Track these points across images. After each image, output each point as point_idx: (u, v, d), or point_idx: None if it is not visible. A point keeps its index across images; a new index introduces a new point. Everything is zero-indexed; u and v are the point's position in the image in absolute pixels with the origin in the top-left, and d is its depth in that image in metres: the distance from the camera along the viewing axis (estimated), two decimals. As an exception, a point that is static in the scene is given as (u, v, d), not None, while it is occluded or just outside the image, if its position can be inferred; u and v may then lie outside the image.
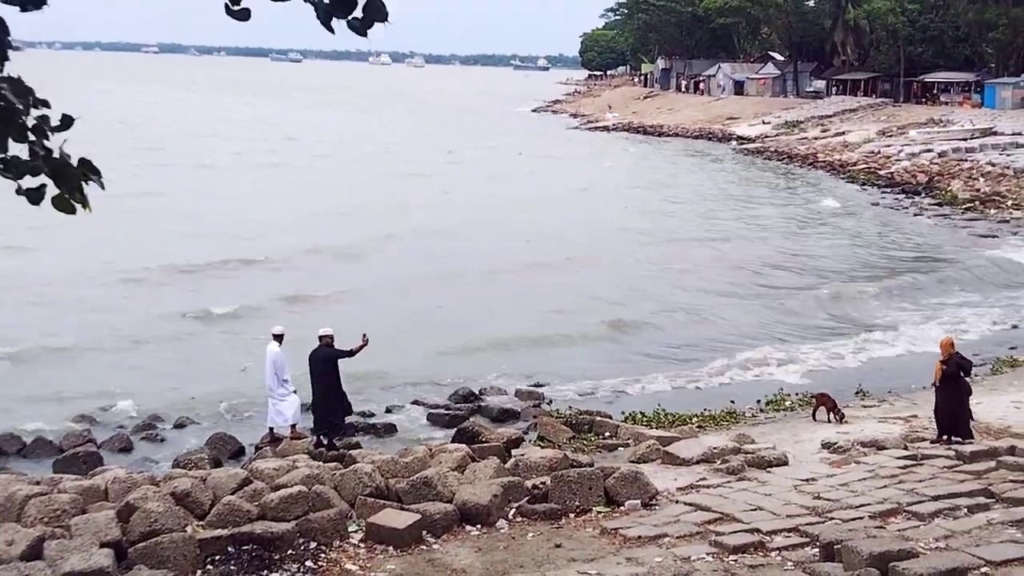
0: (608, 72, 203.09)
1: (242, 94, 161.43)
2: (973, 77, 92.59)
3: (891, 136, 76.30)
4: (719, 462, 14.76)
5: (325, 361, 17.58)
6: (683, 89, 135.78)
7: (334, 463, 14.55)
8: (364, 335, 17.77)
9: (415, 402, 21.20)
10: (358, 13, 4.80)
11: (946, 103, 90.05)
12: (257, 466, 13.69)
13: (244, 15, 4.94)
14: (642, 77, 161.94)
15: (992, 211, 48.98)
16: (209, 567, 10.50)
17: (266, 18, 4.95)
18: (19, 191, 4.82)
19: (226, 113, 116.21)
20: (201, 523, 11.51)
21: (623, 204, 53.12)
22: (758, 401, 21.34)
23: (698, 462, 14.91)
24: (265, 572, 10.35)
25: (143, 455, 17.92)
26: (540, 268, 35.18)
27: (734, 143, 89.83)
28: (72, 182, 4.80)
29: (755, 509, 12.00)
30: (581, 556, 10.74)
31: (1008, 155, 61.36)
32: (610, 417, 19.40)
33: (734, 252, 39.97)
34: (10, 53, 4.73)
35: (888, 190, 58.11)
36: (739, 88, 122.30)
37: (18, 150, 4.77)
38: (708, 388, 22.91)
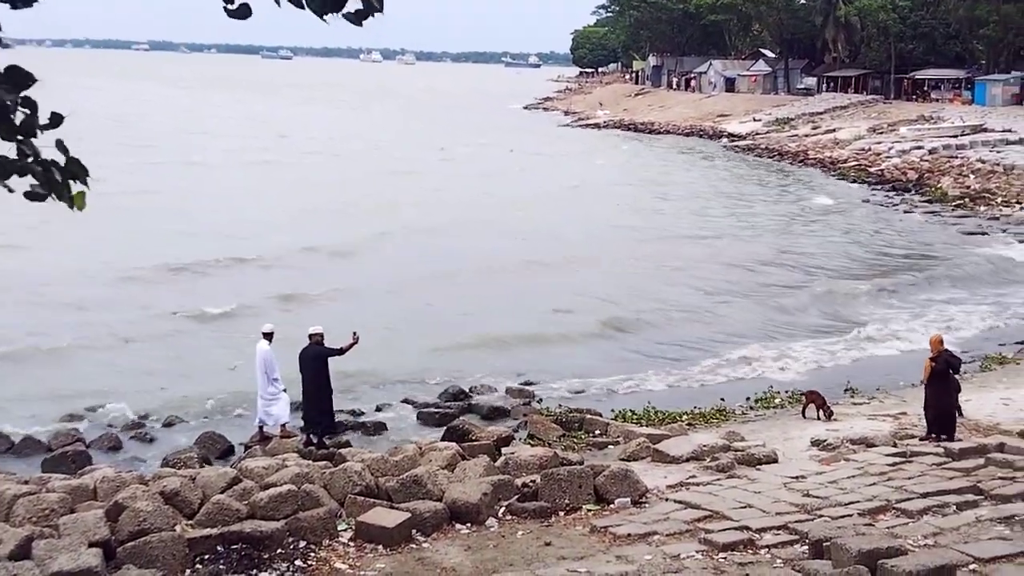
0: (599, 69, 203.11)
1: (233, 91, 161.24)
2: (964, 74, 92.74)
3: (882, 133, 76.43)
4: (709, 460, 14.77)
5: (315, 359, 17.56)
6: (674, 86, 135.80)
7: (324, 462, 14.54)
8: (354, 333, 17.76)
9: (405, 400, 21.18)
10: (352, 6, 4.77)
11: (937, 100, 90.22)
12: (246, 465, 13.68)
13: (243, 13, 4.89)
14: (633, 74, 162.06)
15: (982, 208, 49.08)
16: (198, 566, 10.48)
17: (257, 16, 4.91)
18: (10, 191, 4.80)
19: (217, 110, 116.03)
20: (190, 522, 11.49)
21: (616, 202, 53.13)
22: (747, 399, 21.36)
23: (688, 460, 14.93)
24: (254, 571, 10.33)
25: (132, 454, 17.89)
26: (532, 266, 35.16)
27: (725, 140, 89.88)
28: (60, 182, 4.78)
29: (744, 507, 12.01)
30: (571, 554, 10.74)
31: (998, 152, 61.49)
32: (600, 415, 19.42)
33: (726, 250, 40.00)
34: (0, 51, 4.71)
35: (878, 187, 58.22)
36: (730, 85, 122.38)
37: (6, 149, 4.75)
38: (698, 386, 22.93)
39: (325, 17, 4.83)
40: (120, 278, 31.08)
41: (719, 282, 33.83)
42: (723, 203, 53.94)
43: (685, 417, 19.63)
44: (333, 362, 17.79)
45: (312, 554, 10.83)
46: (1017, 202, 49.16)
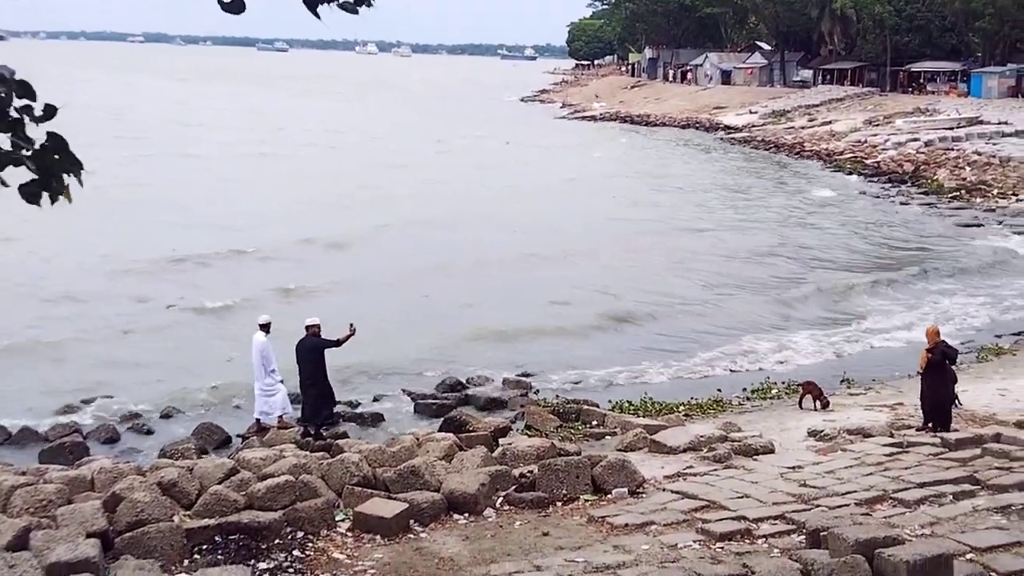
0: (595, 62, 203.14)
1: (228, 84, 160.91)
2: (959, 66, 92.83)
3: (878, 125, 76.46)
4: (706, 450, 14.78)
5: (312, 351, 17.56)
6: (670, 79, 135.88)
7: (321, 452, 14.55)
8: (351, 325, 17.75)
9: (403, 392, 21.18)
10: None
11: (932, 92, 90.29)
12: (244, 456, 13.67)
13: (237, 8, 4.88)
14: (629, 67, 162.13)
15: (978, 200, 49.12)
16: (196, 557, 10.48)
17: (252, 8, 4.90)
18: (4, 185, 4.78)
19: (212, 103, 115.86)
20: (188, 513, 11.49)
21: (613, 194, 53.07)
22: (744, 389, 21.39)
23: (685, 450, 14.93)
24: (252, 562, 10.32)
25: (129, 445, 17.88)
26: (530, 259, 35.14)
27: (721, 132, 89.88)
28: (54, 174, 4.77)
29: (742, 497, 12.02)
30: (568, 544, 10.75)
31: (994, 144, 61.57)
32: (597, 406, 19.41)
33: (725, 242, 40.00)
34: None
35: (875, 179, 58.25)
36: (726, 78, 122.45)
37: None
38: (696, 377, 22.93)
39: (318, 9, 4.82)
40: (117, 270, 31.06)
41: (717, 274, 33.83)
42: (721, 195, 53.95)
43: (682, 408, 19.65)
44: (330, 354, 17.79)
45: (310, 544, 10.84)
46: (1013, 194, 49.20)
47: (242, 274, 31.38)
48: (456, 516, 11.79)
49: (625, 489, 12.59)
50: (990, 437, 14.65)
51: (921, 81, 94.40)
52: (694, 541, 10.50)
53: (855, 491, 12.05)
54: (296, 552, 10.62)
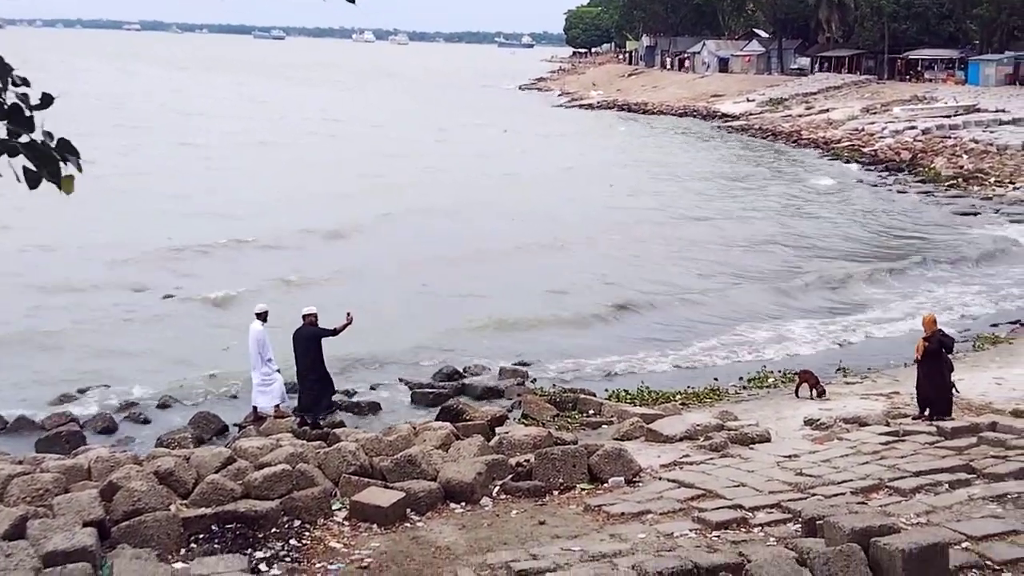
0: (593, 49, 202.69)
1: (227, 72, 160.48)
2: (957, 54, 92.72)
3: (875, 113, 76.43)
4: (702, 439, 14.79)
5: (309, 340, 17.56)
6: (668, 66, 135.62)
7: (318, 441, 14.57)
8: (348, 313, 17.75)
9: (399, 380, 21.19)
10: None
11: (930, 80, 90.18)
12: (241, 445, 13.68)
13: None
14: (627, 54, 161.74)
15: (975, 188, 49.13)
16: (193, 545, 10.49)
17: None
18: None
19: (212, 91, 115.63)
20: (185, 502, 11.50)
21: (613, 183, 52.97)
22: (741, 378, 21.41)
23: (681, 439, 14.94)
24: (249, 550, 10.34)
25: (126, 434, 17.87)
26: (528, 248, 35.10)
27: (718, 121, 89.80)
28: (51, 163, 4.75)
29: (738, 485, 12.05)
30: (565, 533, 10.77)
31: (991, 132, 61.56)
32: (594, 395, 19.44)
33: (723, 231, 39.98)
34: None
35: (872, 167, 58.24)
36: (723, 65, 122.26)
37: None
38: (693, 366, 22.94)
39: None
40: (115, 260, 30.96)
41: (716, 263, 33.84)
42: (719, 183, 53.90)
43: (679, 397, 19.68)
44: (327, 343, 17.79)
45: (307, 533, 10.86)
46: (1011, 182, 49.22)
47: (241, 263, 31.35)
48: (453, 505, 11.81)
49: (621, 478, 12.61)
50: (986, 426, 14.68)
51: (919, 69, 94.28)
52: (690, 530, 10.53)
53: (851, 480, 12.07)
54: (293, 541, 10.64)
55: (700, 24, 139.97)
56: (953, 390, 16.54)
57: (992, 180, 50.15)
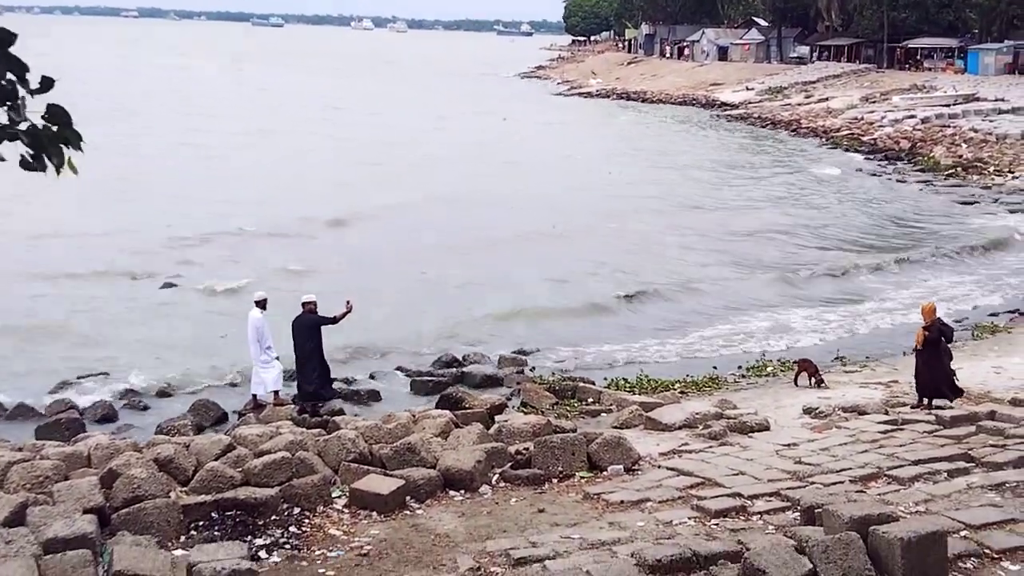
0: (592, 38, 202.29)
1: (230, 59, 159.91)
2: (956, 43, 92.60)
3: (874, 102, 76.38)
4: (701, 427, 14.81)
5: (309, 328, 17.57)
6: (667, 55, 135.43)
7: (317, 429, 14.58)
8: (348, 302, 17.76)
9: (398, 369, 21.20)
10: None
11: (929, 69, 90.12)
12: (240, 432, 13.69)
13: None
14: (626, 43, 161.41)
15: (975, 177, 49.12)
16: (193, 533, 10.50)
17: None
18: (1, 159, 4.75)
19: (210, 79, 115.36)
20: (184, 489, 11.51)
21: (612, 171, 52.95)
22: (739, 367, 21.41)
23: (680, 427, 14.96)
24: (249, 537, 10.35)
25: (126, 422, 17.86)
26: (528, 236, 35.05)
27: (717, 109, 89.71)
28: (53, 146, 4.74)
29: (737, 474, 12.07)
30: (564, 521, 10.79)
31: (991, 121, 61.53)
32: (593, 383, 19.45)
33: (723, 220, 39.95)
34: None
35: (871, 156, 58.22)
36: (723, 54, 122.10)
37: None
38: (692, 355, 22.94)
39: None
40: (115, 248, 30.91)
41: (715, 252, 33.82)
42: (719, 172, 53.86)
43: (678, 385, 19.70)
44: (326, 331, 17.80)
45: (306, 520, 10.87)
46: (1010, 171, 49.21)
47: (240, 252, 31.31)
48: (452, 493, 11.82)
49: (621, 466, 12.62)
50: (985, 415, 14.71)
51: (918, 58, 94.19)
52: (689, 518, 10.55)
53: (850, 468, 12.09)
54: (292, 528, 10.65)
55: (699, 12, 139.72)
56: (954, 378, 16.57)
57: (991, 169, 50.14)
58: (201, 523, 10.68)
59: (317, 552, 10.12)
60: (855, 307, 27.16)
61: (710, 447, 13.74)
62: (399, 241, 33.41)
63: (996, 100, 68.11)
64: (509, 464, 12.62)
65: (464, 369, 21.01)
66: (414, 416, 14.74)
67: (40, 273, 27.79)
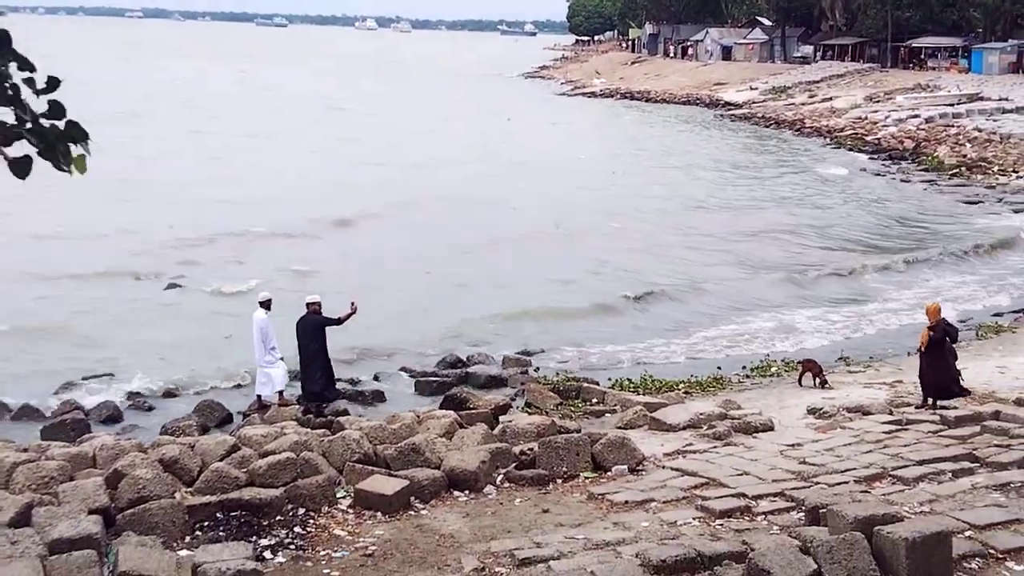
0: (596, 37, 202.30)
1: (234, 60, 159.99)
2: (960, 42, 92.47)
3: (878, 102, 76.29)
4: (705, 428, 14.80)
5: (313, 328, 17.59)
6: (670, 54, 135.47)
7: (322, 430, 14.59)
8: (352, 303, 17.77)
9: (403, 369, 21.20)
10: None
11: (933, 68, 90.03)
12: (245, 433, 13.71)
13: None
14: (630, 42, 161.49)
15: (979, 177, 49.06)
16: (198, 533, 10.52)
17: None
18: (7, 159, 4.75)
19: (214, 79, 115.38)
20: (189, 490, 11.53)
21: (616, 170, 52.90)
22: (744, 367, 21.40)
23: (685, 428, 14.96)
24: (254, 538, 10.36)
25: (130, 423, 17.87)
26: (533, 236, 35.04)
27: (721, 109, 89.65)
28: (61, 146, 4.74)
29: (741, 474, 12.06)
30: (568, 521, 10.79)
31: (995, 121, 61.46)
32: (597, 383, 19.45)
33: (728, 219, 39.91)
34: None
35: (875, 156, 58.17)
36: (727, 53, 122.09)
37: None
38: (697, 356, 22.93)
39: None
40: (119, 249, 30.95)
41: (722, 252, 33.79)
42: (724, 172, 53.83)
43: (682, 386, 19.69)
44: (331, 332, 17.81)
45: (311, 521, 10.88)
46: (1014, 171, 49.14)
47: (244, 252, 31.32)
48: (456, 493, 11.83)
49: (625, 466, 12.62)
50: (989, 415, 14.69)
51: (922, 57, 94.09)
52: (694, 518, 10.55)
53: (854, 468, 12.08)
54: (297, 529, 10.67)
55: (703, 12, 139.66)
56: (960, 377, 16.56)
57: (995, 169, 50.07)
58: (206, 523, 10.69)
59: (322, 552, 10.13)
60: (860, 307, 27.14)
61: (714, 447, 13.74)
62: (403, 241, 33.41)
63: (1000, 99, 68.01)
64: (513, 464, 12.63)
65: (468, 369, 21.02)
66: (418, 416, 14.76)
67: (44, 274, 27.78)
